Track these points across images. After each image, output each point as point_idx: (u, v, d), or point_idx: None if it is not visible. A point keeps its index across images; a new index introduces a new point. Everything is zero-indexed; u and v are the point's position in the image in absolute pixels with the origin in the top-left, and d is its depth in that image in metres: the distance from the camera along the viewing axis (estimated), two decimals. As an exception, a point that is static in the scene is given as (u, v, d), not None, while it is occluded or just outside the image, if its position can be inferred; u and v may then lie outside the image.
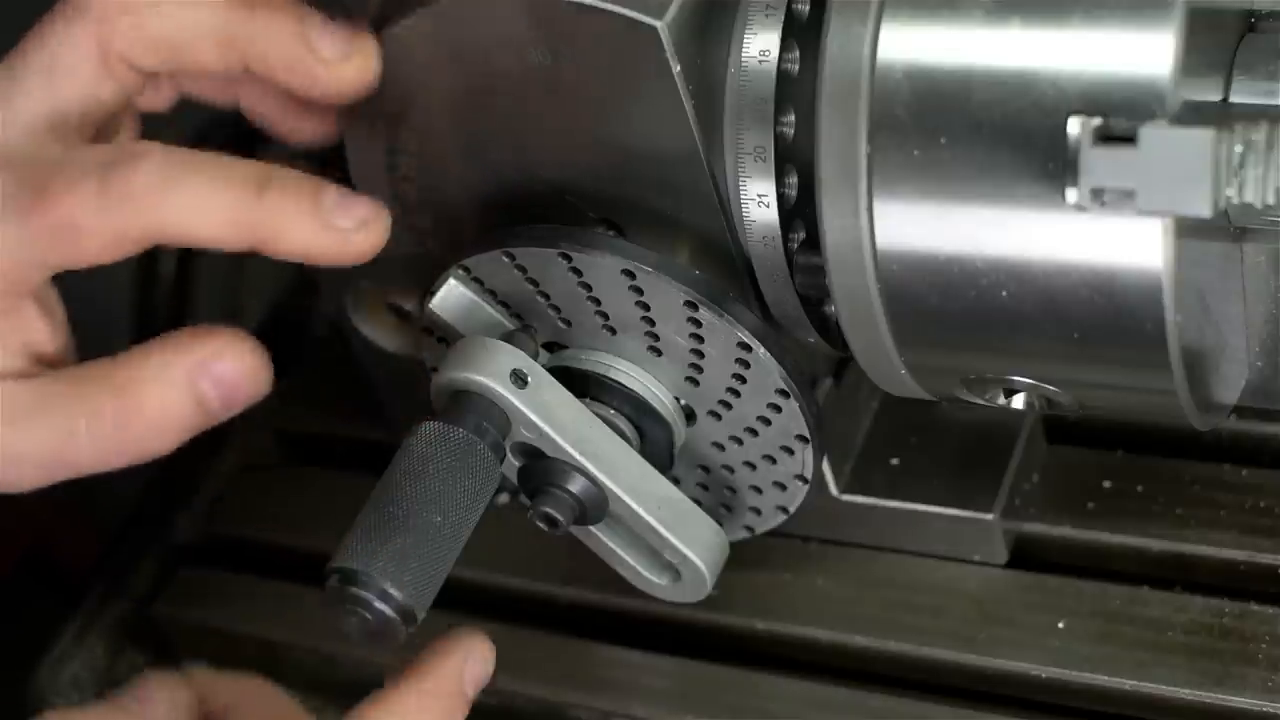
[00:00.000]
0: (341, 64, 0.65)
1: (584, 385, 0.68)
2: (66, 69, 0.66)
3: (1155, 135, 0.54)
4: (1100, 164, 0.55)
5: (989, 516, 0.75)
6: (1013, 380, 0.64)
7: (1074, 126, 0.56)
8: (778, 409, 0.67)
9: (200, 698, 0.72)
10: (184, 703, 0.68)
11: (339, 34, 0.65)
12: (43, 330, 0.67)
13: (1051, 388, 0.63)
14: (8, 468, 0.67)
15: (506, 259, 0.67)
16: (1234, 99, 0.61)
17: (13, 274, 0.65)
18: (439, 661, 0.66)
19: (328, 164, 0.74)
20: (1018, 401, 0.65)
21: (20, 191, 0.64)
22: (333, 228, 0.64)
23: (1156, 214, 0.56)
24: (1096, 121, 0.56)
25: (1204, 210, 0.54)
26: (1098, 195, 0.55)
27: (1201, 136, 0.53)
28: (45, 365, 0.67)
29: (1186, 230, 0.57)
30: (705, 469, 0.71)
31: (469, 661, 0.66)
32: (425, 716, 0.65)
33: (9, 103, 0.66)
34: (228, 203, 0.63)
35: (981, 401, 0.66)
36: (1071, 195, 0.56)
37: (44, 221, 0.63)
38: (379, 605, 0.62)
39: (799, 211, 0.65)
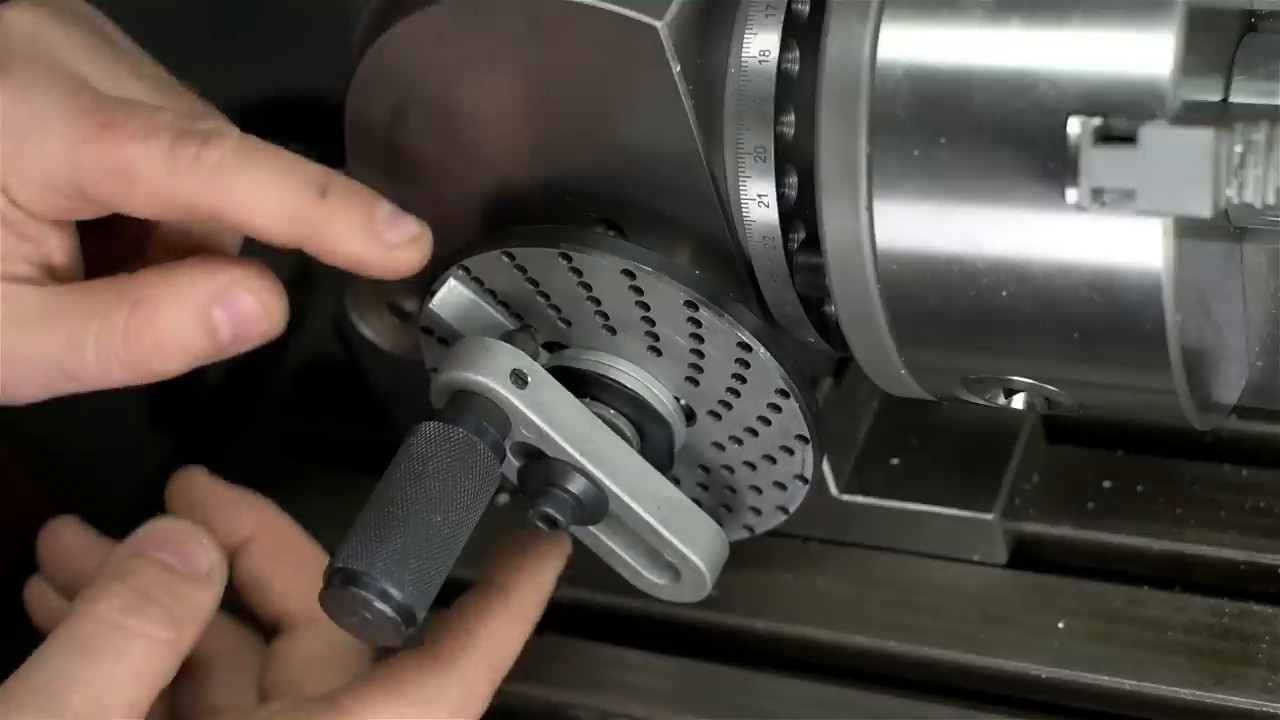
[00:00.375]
0: (402, 250, 0.66)
1: (584, 385, 0.68)
2: None
3: (1155, 135, 0.54)
4: (1100, 164, 0.55)
5: (989, 516, 0.75)
6: (1013, 380, 0.64)
7: (1074, 126, 0.56)
8: (778, 409, 0.67)
9: (221, 529, 0.73)
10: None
11: (405, 223, 0.66)
12: (55, 241, 0.68)
13: (1051, 388, 0.63)
14: (11, 372, 0.67)
15: (506, 259, 0.67)
16: (1234, 99, 0.61)
17: (45, 190, 0.65)
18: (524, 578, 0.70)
19: (329, 164, 0.75)
20: (1018, 401, 0.65)
21: (88, 117, 0.64)
22: (382, 241, 0.65)
23: (1156, 214, 0.56)
24: (1096, 121, 0.56)
25: (1204, 210, 0.54)
26: (1098, 195, 0.55)
27: (1201, 136, 0.53)
28: (57, 279, 0.68)
29: (1186, 230, 0.57)
30: (705, 469, 0.71)
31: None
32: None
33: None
34: (289, 199, 0.64)
35: (981, 401, 0.66)
36: (1071, 195, 0.56)
37: (101, 154, 0.64)
38: (379, 605, 0.62)
39: (799, 211, 0.65)
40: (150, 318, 0.66)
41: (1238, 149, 0.54)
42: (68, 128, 0.64)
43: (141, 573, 0.66)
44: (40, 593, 0.78)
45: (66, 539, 0.78)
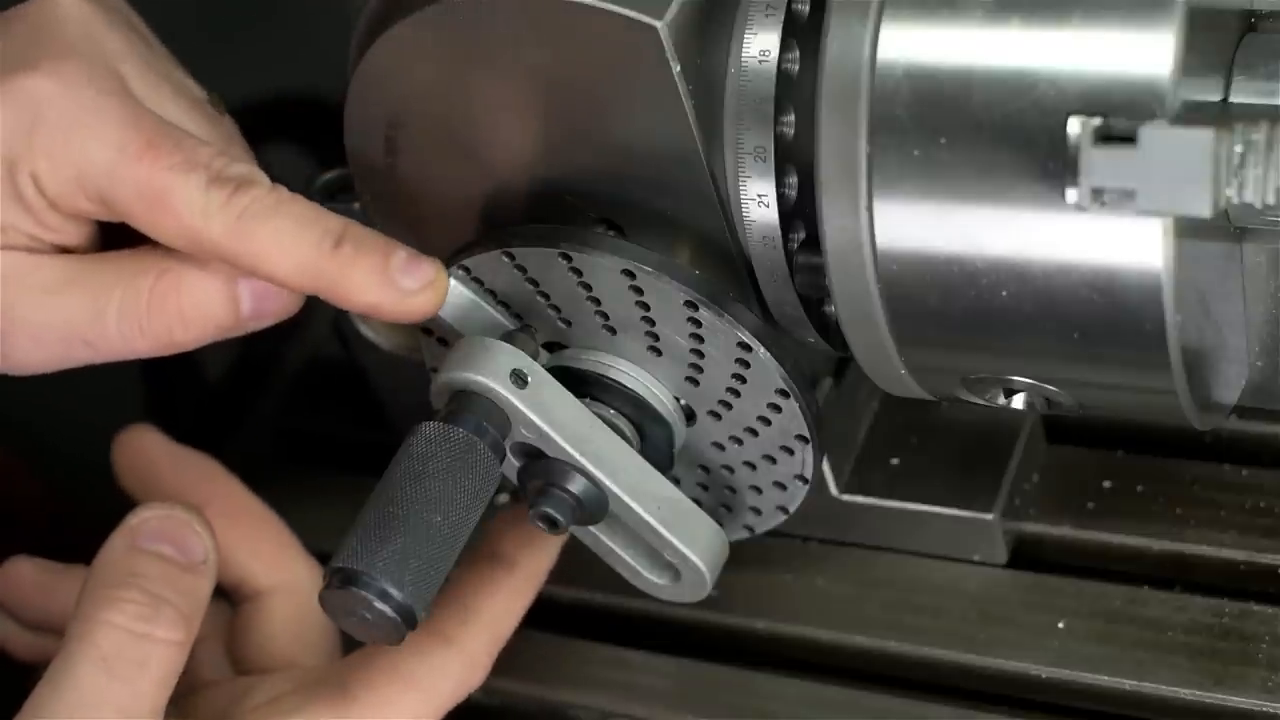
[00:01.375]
0: (418, 296, 0.66)
1: (584, 385, 0.68)
2: None
3: (1155, 135, 0.54)
4: (1100, 164, 0.55)
5: (989, 516, 0.75)
6: (1013, 380, 0.64)
7: (1074, 126, 0.56)
8: (778, 409, 0.67)
9: (177, 494, 0.74)
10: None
11: (420, 268, 0.66)
12: (75, 233, 0.68)
13: (1051, 388, 0.63)
14: (29, 340, 0.68)
15: (506, 259, 0.67)
16: (1234, 99, 0.61)
17: (73, 188, 0.66)
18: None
19: (329, 164, 0.75)
20: (1018, 401, 0.65)
21: (134, 131, 0.65)
22: (398, 288, 0.65)
23: (1156, 214, 0.56)
24: (1096, 121, 0.56)
25: (1204, 210, 0.54)
26: (1098, 195, 0.55)
27: (1201, 137, 0.53)
28: (76, 251, 0.68)
29: (1186, 230, 0.57)
30: (705, 469, 0.71)
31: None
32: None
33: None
34: (307, 252, 0.65)
35: (981, 401, 0.66)
36: (1071, 195, 0.56)
37: (140, 175, 0.65)
38: (379, 605, 0.62)
39: (799, 211, 0.65)
40: (176, 284, 0.67)
41: (1238, 149, 0.54)
42: (114, 136, 0.65)
43: (147, 573, 0.66)
44: (7, 628, 0.78)
45: (25, 577, 0.77)
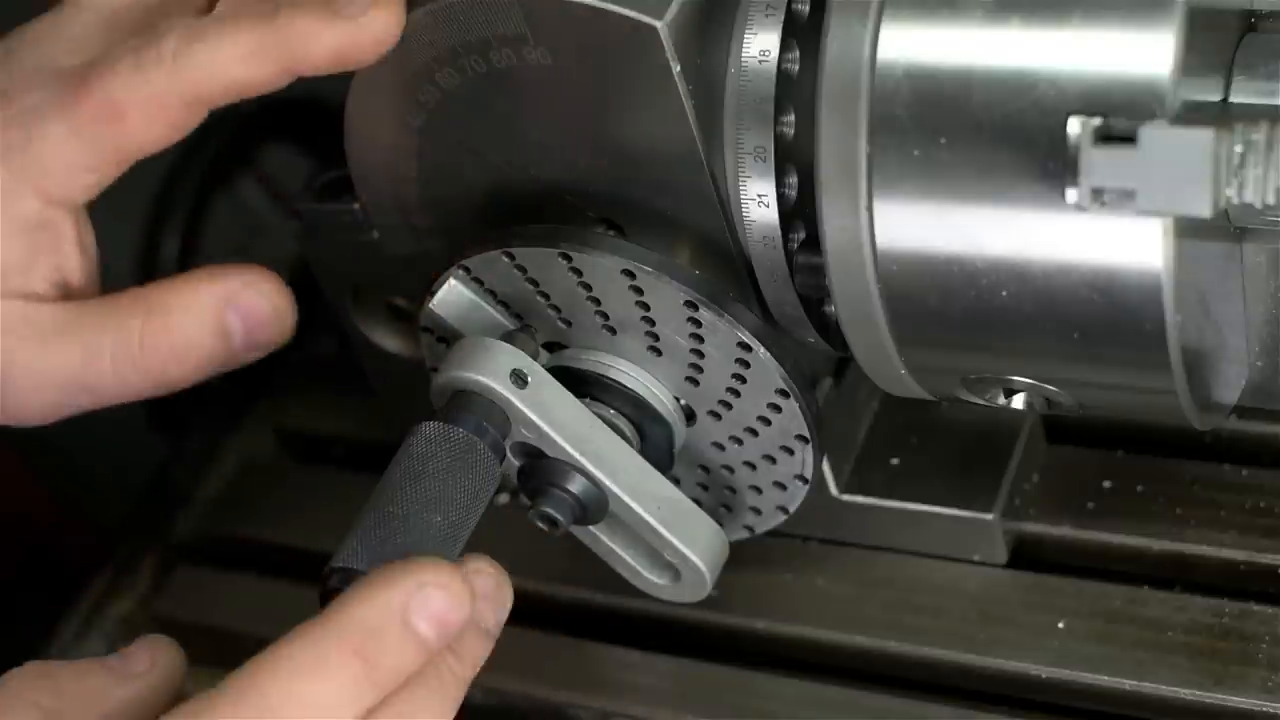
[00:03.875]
0: (373, 18, 0.65)
1: (584, 385, 0.68)
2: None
3: (1155, 135, 0.54)
4: (1100, 164, 0.55)
5: (989, 516, 0.74)
6: (1013, 380, 0.64)
7: (1074, 126, 0.56)
8: (778, 409, 0.67)
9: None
10: (170, 665, 0.67)
11: None
12: (75, 259, 0.69)
13: (1051, 388, 0.63)
14: (28, 390, 0.69)
15: (506, 259, 0.67)
16: (1234, 99, 0.61)
17: (60, 176, 0.67)
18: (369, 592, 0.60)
19: (329, 164, 0.75)
20: (1018, 401, 0.65)
21: (64, 89, 0.67)
22: (348, 18, 0.65)
23: (1156, 214, 0.56)
24: (1096, 121, 0.56)
25: (1204, 210, 0.54)
26: (1098, 195, 0.55)
27: (1201, 137, 0.53)
28: (71, 298, 0.69)
29: (1186, 230, 0.57)
30: (705, 469, 0.71)
31: (421, 590, 0.60)
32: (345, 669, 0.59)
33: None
34: (246, 36, 0.65)
35: (981, 402, 0.66)
36: (1071, 195, 0.56)
37: (87, 107, 0.66)
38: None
39: (799, 211, 0.65)
40: (165, 323, 0.68)
41: (1238, 149, 0.54)
42: (57, 108, 0.66)
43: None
44: None
45: None
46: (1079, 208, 0.56)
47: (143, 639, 0.67)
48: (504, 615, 0.64)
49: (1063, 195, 0.57)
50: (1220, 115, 0.60)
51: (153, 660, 0.66)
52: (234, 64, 0.65)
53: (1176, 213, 0.55)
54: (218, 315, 0.68)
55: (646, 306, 0.66)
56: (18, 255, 0.68)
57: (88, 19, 0.70)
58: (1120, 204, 0.55)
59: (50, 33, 0.70)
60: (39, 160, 0.67)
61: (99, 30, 0.70)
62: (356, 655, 0.59)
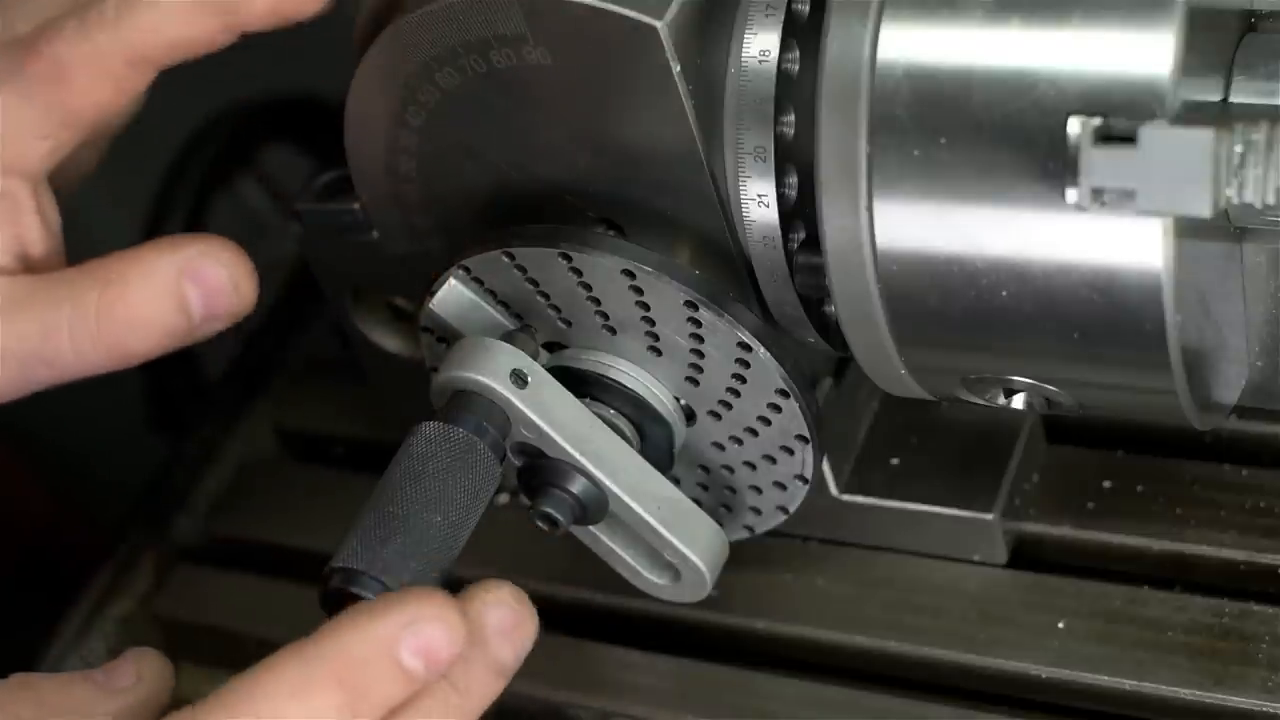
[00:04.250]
0: None
1: (584, 385, 0.68)
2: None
3: (1155, 135, 0.54)
4: (1100, 164, 0.55)
5: (989, 516, 0.74)
6: (1013, 380, 0.64)
7: (1074, 126, 0.56)
8: (778, 409, 0.67)
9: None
10: (157, 678, 0.67)
11: None
12: (35, 229, 0.69)
13: (1051, 388, 0.63)
14: None
15: (506, 259, 0.67)
16: (1234, 99, 0.61)
17: (15, 145, 0.67)
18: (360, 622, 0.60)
19: (329, 164, 0.75)
20: (1018, 401, 0.65)
21: (15, 56, 0.67)
22: None
23: (1156, 214, 0.56)
24: (1096, 122, 0.56)
25: (1204, 210, 0.54)
26: (1098, 195, 0.55)
27: (1201, 137, 0.53)
28: (33, 270, 0.69)
29: (1186, 230, 0.57)
30: (705, 469, 0.71)
31: (413, 624, 0.59)
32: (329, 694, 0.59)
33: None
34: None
35: (981, 402, 0.66)
36: (1071, 195, 0.56)
37: (34, 69, 0.66)
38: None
39: (799, 211, 0.65)
40: (122, 294, 0.67)
41: (1238, 149, 0.54)
42: (6, 74, 0.67)
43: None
44: None
45: None
46: (1079, 208, 0.56)
47: (129, 653, 0.66)
48: (524, 650, 0.63)
49: (1063, 195, 0.57)
50: (1220, 115, 0.60)
51: (139, 674, 0.65)
52: (175, 21, 0.66)
53: (1177, 213, 0.55)
54: (175, 284, 0.67)
55: (646, 306, 0.66)
56: None
57: None
58: (1120, 204, 0.55)
59: (12, 3, 0.71)
60: (2, 135, 0.67)
61: (57, 1, 0.70)
62: (341, 685, 0.59)
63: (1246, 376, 0.66)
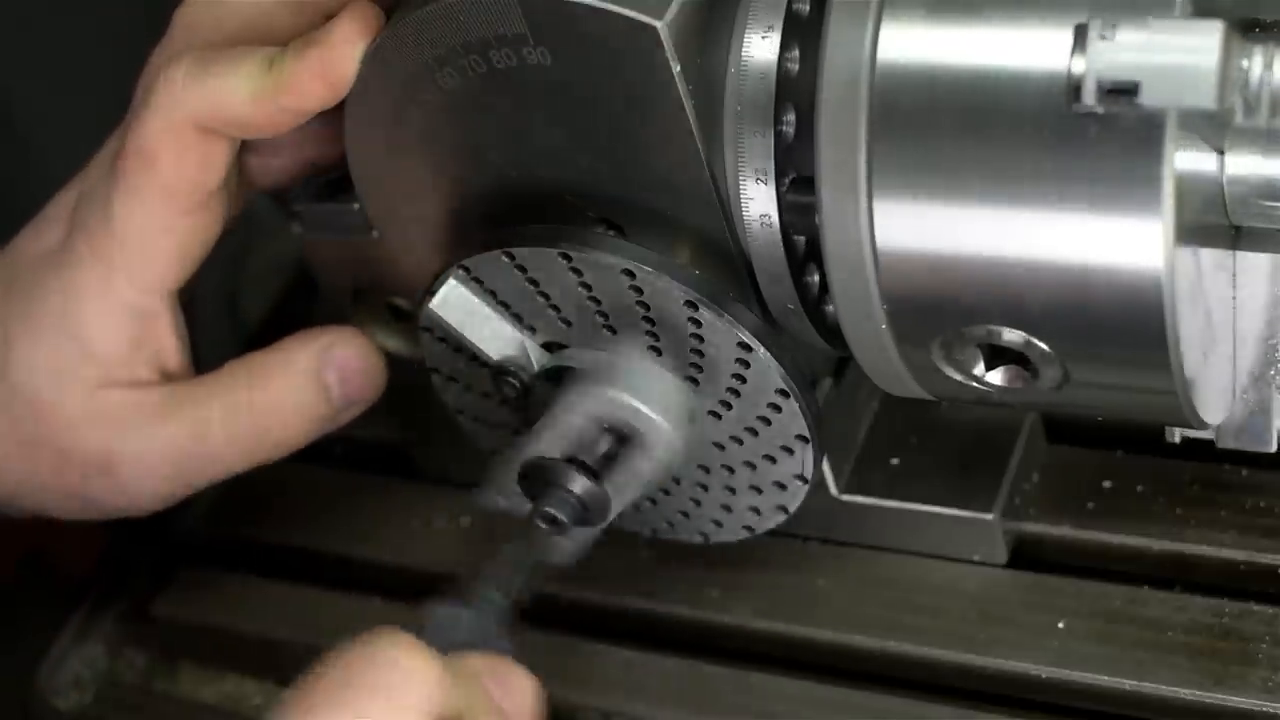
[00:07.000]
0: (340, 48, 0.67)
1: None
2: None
3: (1164, 25, 0.54)
4: (1106, 54, 0.54)
5: (989, 516, 0.75)
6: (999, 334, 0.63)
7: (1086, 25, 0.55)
8: (778, 409, 0.67)
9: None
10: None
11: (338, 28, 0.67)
12: (171, 345, 0.72)
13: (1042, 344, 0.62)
14: (141, 475, 0.71)
15: (506, 259, 0.67)
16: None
17: (148, 259, 0.69)
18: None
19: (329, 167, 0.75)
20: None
21: (110, 166, 0.70)
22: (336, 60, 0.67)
23: (1161, 106, 0.54)
24: (1107, 21, 0.55)
25: (1209, 101, 0.53)
26: (1103, 92, 0.54)
27: (1210, 27, 0.53)
28: (171, 381, 0.72)
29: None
30: (705, 469, 0.71)
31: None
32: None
33: None
34: (244, 79, 0.66)
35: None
36: (1084, 96, 0.55)
37: (123, 165, 0.68)
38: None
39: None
40: (266, 387, 0.70)
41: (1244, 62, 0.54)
42: (111, 177, 0.69)
43: None
44: None
45: None
46: (1088, 109, 0.55)
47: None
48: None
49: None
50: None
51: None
52: (234, 103, 0.67)
53: (1182, 105, 0.54)
54: (317, 373, 0.71)
55: (646, 306, 0.66)
56: (119, 345, 0.70)
57: None
58: (1125, 104, 0.54)
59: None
60: (122, 242, 0.69)
61: None
62: None
63: (1243, 380, 0.66)
